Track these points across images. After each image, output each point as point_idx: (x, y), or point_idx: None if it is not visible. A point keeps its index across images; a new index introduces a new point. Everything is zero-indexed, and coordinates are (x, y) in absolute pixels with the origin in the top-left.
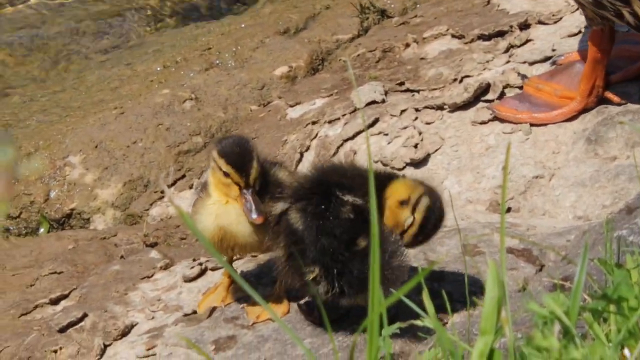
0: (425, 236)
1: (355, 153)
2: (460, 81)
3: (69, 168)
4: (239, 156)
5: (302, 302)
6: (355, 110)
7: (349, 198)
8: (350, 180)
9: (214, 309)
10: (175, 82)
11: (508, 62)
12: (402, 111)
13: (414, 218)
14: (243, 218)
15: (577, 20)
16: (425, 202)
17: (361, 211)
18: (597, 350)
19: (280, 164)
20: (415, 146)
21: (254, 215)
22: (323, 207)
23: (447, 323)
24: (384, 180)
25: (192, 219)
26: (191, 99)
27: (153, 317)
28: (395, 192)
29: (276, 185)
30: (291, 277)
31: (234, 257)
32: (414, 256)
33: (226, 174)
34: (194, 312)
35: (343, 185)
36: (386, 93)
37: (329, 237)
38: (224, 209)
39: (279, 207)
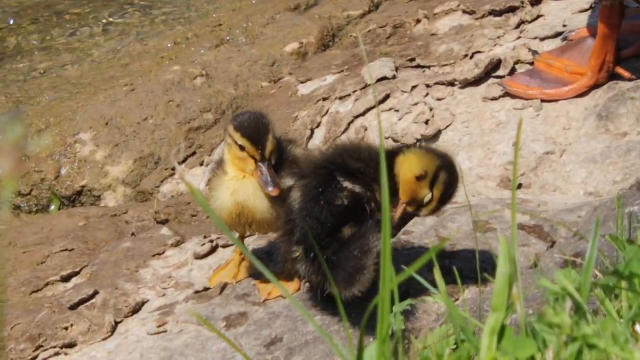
0: (440, 206)
1: (365, 129)
2: (471, 57)
3: (79, 145)
4: (254, 129)
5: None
6: (366, 86)
7: (347, 185)
8: (358, 163)
9: (225, 285)
10: (186, 59)
11: (519, 37)
12: (413, 87)
13: (432, 195)
14: (261, 193)
15: None
16: (443, 177)
17: (358, 199)
18: (609, 326)
19: (295, 142)
20: (426, 122)
21: (270, 188)
22: (320, 189)
23: (458, 299)
24: (393, 156)
25: (208, 196)
26: (202, 76)
27: (164, 294)
28: (411, 165)
29: (292, 162)
30: (284, 254)
31: (246, 234)
32: (425, 233)
33: (242, 148)
34: (205, 289)
35: (346, 169)
36: (397, 69)
37: (314, 220)
38: (241, 184)
39: (287, 183)
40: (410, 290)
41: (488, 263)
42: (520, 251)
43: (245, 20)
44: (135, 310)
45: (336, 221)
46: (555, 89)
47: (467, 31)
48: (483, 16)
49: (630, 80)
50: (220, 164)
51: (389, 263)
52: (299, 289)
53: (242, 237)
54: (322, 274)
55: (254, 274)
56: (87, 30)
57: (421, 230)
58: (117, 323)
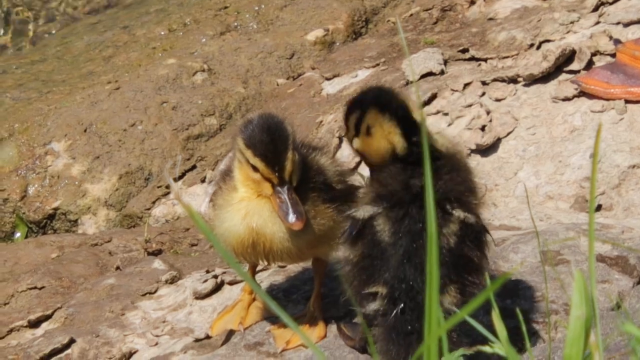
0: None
1: None
2: (538, 47)
3: (51, 157)
4: (270, 145)
5: (343, 323)
6: (407, 83)
7: (459, 214)
8: (461, 184)
9: (231, 333)
10: (183, 50)
11: (597, 23)
12: (466, 85)
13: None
14: (279, 219)
15: None
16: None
17: (473, 232)
18: None
19: (321, 149)
20: (482, 128)
21: (292, 219)
22: (422, 224)
23: (522, 350)
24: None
25: (211, 217)
26: (203, 71)
27: (157, 343)
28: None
29: (318, 173)
30: (357, 284)
31: (258, 267)
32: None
33: (255, 168)
34: (207, 336)
35: (453, 194)
36: (446, 62)
37: (414, 265)
38: (255, 206)
39: (365, 211)
40: (462, 338)
41: (560, 304)
42: (599, 289)
43: (257, 1)
44: None
45: (447, 266)
46: None
47: (533, 15)
48: None
49: None
50: (227, 175)
51: (436, 303)
52: (324, 336)
53: (253, 270)
54: (393, 339)
55: (269, 318)
56: (60, 15)
57: None
58: None
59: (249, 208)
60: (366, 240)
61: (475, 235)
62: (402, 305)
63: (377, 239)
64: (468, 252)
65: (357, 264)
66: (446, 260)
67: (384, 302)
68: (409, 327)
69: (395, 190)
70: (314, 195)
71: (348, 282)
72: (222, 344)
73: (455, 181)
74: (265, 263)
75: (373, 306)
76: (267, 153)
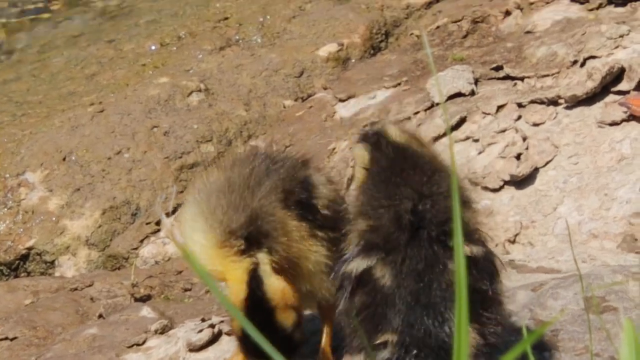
0: None
1: None
2: (582, 64)
3: (25, 189)
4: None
5: None
6: (433, 105)
7: (465, 249)
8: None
9: None
10: (177, 67)
11: None
12: (500, 107)
13: None
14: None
15: None
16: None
17: (481, 263)
18: None
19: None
20: (518, 157)
21: None
22: (423, 265)
23: None
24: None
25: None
26: (199, 91)
27: None
28: None
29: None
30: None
31: None
32: (517, 314)
33: None
34: None
35: (449, 224)
36: (477, 81)
37: (423, 307)
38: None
39: (359, 265)
40: None
41: (605, 357)
42: None
43: (262, 11)
44: None
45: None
46: None
47: (577, 27)
48: (600, 6)
49: None
50: None
51: (465, 346)
52: None
53: None
54: None
55: None
56: (39, 28)
57: (511, 310)
58: None
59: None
60: (366, 289)
61: (483, 265)
62: (415, 351)
63: (378, 285)
64: (480, 285)
65: (358, 314)
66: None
67: (396, 350)
68: None
69: (387, 234)
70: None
71: (353, 335)
72: None
73: (445, 205)
74: None
75: (384, 355)
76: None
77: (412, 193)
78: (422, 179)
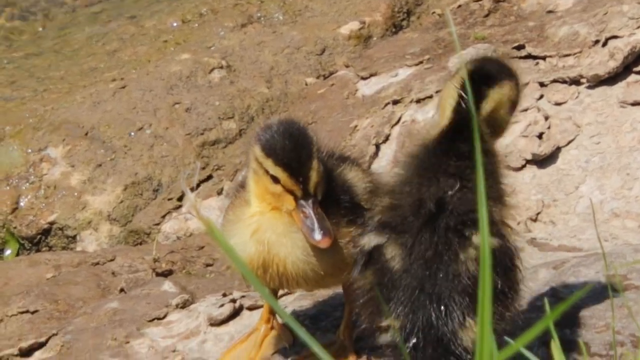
0: None
1: None
2: (604, 44)
3: (47, 165)
4: (293, 153)
5: (372, 355)
6: None
7: (478, 240)
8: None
9: None
10: (198, 44)
11: None
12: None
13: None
14: (296, 234)
15: None
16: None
17: (495, 257)
18: None
19: (352, 160)
20: (540, 136)
21: (318, 236)
22: (435, 250)
23: None
24: None
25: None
26: (221, 68)
27: None
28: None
29: (345, 190)
30: (369, 315)
31: (279, 290)
32: (538, 291)
33: (276, 179)
34: None
35: (471, 216)
36: None
37: (428, 296)
38: (268, 220)
39: (371, 240)
40: None
41: (627, 334)
42: None
43: None
44: None
45: (463, 297)
46: None
47: (599, 7)
48: None
49: None
50: (242, 188)
51: (489, 333)
52: None
53: (275, 293)
54: None
55: (293, 348)
56: (59, 4)
57: (532, 288)
58: None
59: (261, 223)
60: (376, 268)
61: (499, 261)
62: (415, 340)
63: (387, 267)
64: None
65: (368, 293)
66: (465, 289)
67: (397, 336)
68: None
69: (404, 216)
70: (338, 215)
71: (362, 314)
72: None
73: (472, 197)
74: (280, 288)
75: (385, 338)
76: (291, 162)
77: (445, 181)
78: (464, 165)
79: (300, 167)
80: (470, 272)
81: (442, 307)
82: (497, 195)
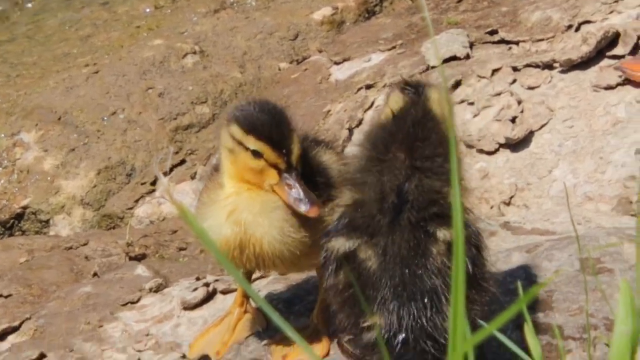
0: None
1: None
2: (577, 29)
3: (20, 149)
4: (273, 127)
5: (346, 339)
6: (428, 68)
7: (444, 235)
8: (436, 183)
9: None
10: (171, 29)
11: None
12: (495, 71)
13: None
14: (272, 215)
15: None
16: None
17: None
18: None
19: (326, 143)
20: (513, 120)
21: (306, 206)
22: (408, 248)
23: None
24: None
25: (195, 214)
26: (194, 53)
27: (139, 359)
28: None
29: (320, 172)
30: (347, 317)
31: (253, 274)
32: (510, 274)
33: (257, 155)
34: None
35: (431, 209)
36: (472, 45)
37: (409, 293)
38: (244, 201)
39: (341, 245)
40: (489, 355)
41: (600, 317)
42: None
43: None
44: None
45: (437, 292)
46: None
47: None
48: None
49: None
50: (215, 171)
51: (462, 316)
52: (327, 353)
53: (249, 276)
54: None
55: (267, 332)
56: None
57: (505, 271)
58: None
59: (237, 204)
60: (349, 269)
61: (465, 247)
62: (403, 335)
63: (363, 266)
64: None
65: (343, 292)
66: (439, 282)
67: (383, 333)
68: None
69: (370, 216)
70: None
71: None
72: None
73: (430, 184)
74: (256, 269)
75: (369, 336)
76: (273, 135)
77: (403, 167)
78: (423, 152)
79: (282, 140)
80: (438, 265)
81: (427, 301)
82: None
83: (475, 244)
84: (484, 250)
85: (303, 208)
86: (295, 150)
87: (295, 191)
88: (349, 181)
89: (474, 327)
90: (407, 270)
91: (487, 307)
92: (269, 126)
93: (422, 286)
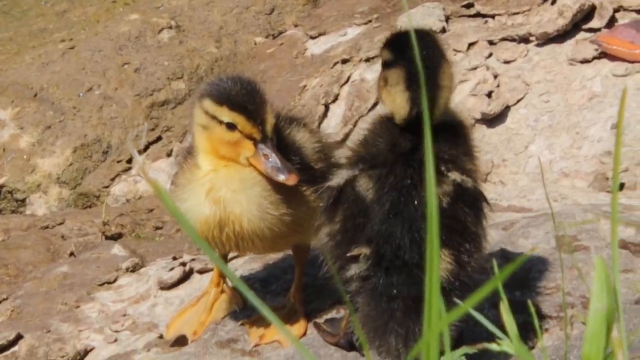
0: None
1: None
2: (554, 2)
3: None
4: (247, 97)
5: (322, 319)
6: None
7: (455, 176)
8: (459, 147)
9: (184, 339)
10: (147, 4)
11: None
12: (471, 45)
13: None
14: (252, 192)
15: None
16: None
17: (469, 197)
18: None
19: (299, 121)
20: (489, 95)
21: (283, 176)
22: (410, 181)
23: (534, 347)
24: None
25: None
26: (170, 28)
27: (116, 340)
28: None
29: (294, 151)
30: (338, 255)
31: (229, 254)
32: (487, 253)
33: (231, 126)
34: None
35: (448, 155)
36: (447, 18)
37: (401, 221)
38: (222, 177)
39: (341, 177)
40: (465, 334)
41: (577, 296)
42: (622, 279)
43: None
44: None
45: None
46: None
47: None
48: None
49: None
50: (189, 154)
51: (437, 294)
52: (304, 333)
53: (225, 256)
54: (392, 296)
55: (245, 314)
56: None
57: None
58: None
59: (215, 181)
60: (347, 203)
61: (472, 201)
62: (386, 265)
63: (360, 197)
64: (463, 216)
65: (338, 231)
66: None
67: (367, 264)
68: (394, 291)
69: (378, 151)
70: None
71: (330, 256)
72: (172, 345)
73: (452, 143)
74: (235, 250)
75: (354, 270)
76: (247, 105)
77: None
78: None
79: (257, 110)
80: (442, 206)
81: (415, 234)
82: (472, 155)
83: (480, 201)
84: (485, 210)
85: (281, 177)
86: (270, 119)
87: (272, 160)
88: (359, 142)
89: (471, 283)
90: (402, 199)
91: (483, 265)
92: (242, 96)
93: (416, 217)
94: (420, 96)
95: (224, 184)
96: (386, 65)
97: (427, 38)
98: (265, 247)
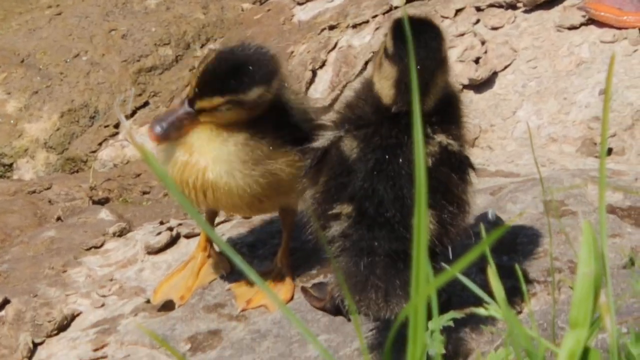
0: None
1: None
2: None
3: None
4: (209, 64)
5: (309, 283)
6: (391, 9)
7: (441, 139)
8: (446, 112)
9: (171, 303)
10: None
11: None
12: (458, 11)
13: None
14: (222, 146)
15: None
16: None
17: (455, 160)
18: None
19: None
20: (477, 61)
21: (155, 127)
22: (396, 140)
23: (521, 312)
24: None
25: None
26: None
27: (103, 304)
28: None
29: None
30: (319, 215)
31: (216, 216)
32: (474, 216)
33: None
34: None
35: (435, 118)
36: None
37: (385, 178)
38: (201, 137)
39: (325, 138)
40: (453, 298)
41: (564, 261)
42: (610, 244)
43: None
44: (63, 327)
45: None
46: None
47: None
48: None
49: None
50: None
51: (424, 258)
52: (292, 298)
53: (212, 221)
54: (357, 260)
55: (230, 276)
56: None
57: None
58: (36, 345)
59: (195, 138)
60: (331, 164)
61: (458, 164)
62: (369, 222)
63: (344, 157)
64: (448, 179)
65: (321, 191)
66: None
67: (349, 221)
68: (375, 244)
69: (364, 112)
70: (272, 134)
71: (313, 216)
72: (159, 310)
73: (440, 107)
74: (214, 206)
75: (336, 228)
76: (200, 64)
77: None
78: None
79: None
80: (428, 165)
81: (398, 192)
82: (460, 121)
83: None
84: (470, 176)
85: (155, 128)
86: (192, 82)
87: (165, 113)
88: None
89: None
90: (386, 157)
91: (467, 229)
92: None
93: (400, 173)
94: (407, 96)
95: (202, 139)
96: (385, 53)
97: (430, 33)
98: (244, 207)
